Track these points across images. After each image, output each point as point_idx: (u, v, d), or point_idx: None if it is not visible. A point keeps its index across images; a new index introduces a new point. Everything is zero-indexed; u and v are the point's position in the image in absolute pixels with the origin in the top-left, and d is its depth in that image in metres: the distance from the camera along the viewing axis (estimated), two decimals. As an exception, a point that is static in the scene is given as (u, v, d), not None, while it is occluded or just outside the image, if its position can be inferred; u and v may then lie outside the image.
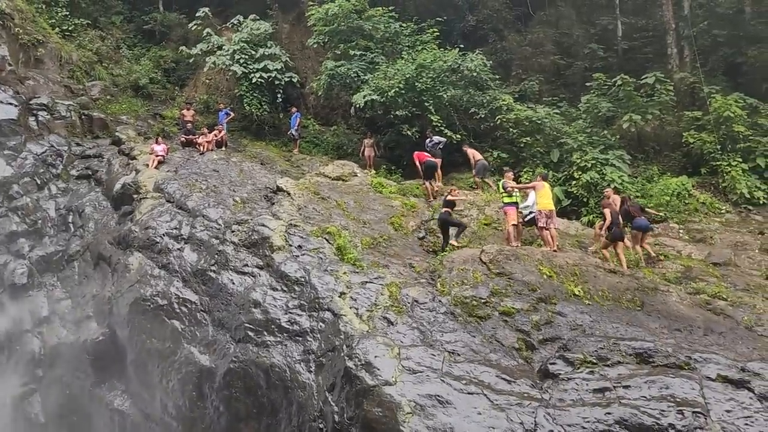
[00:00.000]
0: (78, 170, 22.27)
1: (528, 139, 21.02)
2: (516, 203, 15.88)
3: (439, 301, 12.90)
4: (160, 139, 22.09)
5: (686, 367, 10.25)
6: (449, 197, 16.12)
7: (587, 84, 22.64)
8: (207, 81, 28.47)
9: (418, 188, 19.60)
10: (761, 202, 18.44)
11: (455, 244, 15.32)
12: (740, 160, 19.14)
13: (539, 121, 20.99)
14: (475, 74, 22.19)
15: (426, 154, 19.97)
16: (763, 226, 17.35)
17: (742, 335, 11.59)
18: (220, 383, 13.60)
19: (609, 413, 9.54)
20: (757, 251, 16.03)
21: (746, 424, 9.21)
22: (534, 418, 9.83)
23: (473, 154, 20.26)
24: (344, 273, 14.11)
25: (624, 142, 21.02)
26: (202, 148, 22.64)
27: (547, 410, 9.94)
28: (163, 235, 17.05)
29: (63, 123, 24.02)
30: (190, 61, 27.63)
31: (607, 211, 14.99)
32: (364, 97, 21.78)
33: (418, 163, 19.90)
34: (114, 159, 22.21)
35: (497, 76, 23.54)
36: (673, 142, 21.18)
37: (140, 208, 18.52)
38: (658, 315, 12.22)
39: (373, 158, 22.40)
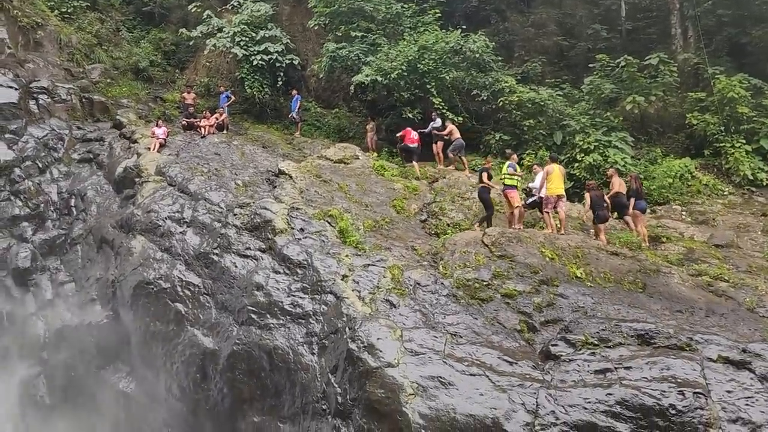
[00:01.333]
0: (79, 154, 22.24)
1: (530, 121, 20.90)
2: (516, 186, 15.83)
3: (442, 283, 12.94)
4: (160, 122, 22.03)
5: (687, 349, 10.28)
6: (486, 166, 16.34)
7: (590, 65, 22.44)
8: (207, 64, 28.33)
9: (420, 171, 19.55)
10: (764, 183, 18.39)
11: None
12: (744, 141, 19.06)
13: (542, 103, 20.85)
14: (477, 56, 22.01)
15: (415, 136, 20.38)
16: (766, 208, 17.32)
17: (743, 316, 11.62)
18: (224, 365, 13.70)
19: (610, 394, 9.59)
20: (759, 233, 16.03)
21: (747, 405, 9.25)
22: (535, 399, 9.90)
23: (453, 130, 20.27)
24: (346, 256, 14.14)
25: (627, 123, 20.89)
26: (203, 131, 22.58)
27: (549, 391, 10.00)
28: (166, 218, 17.07)
29: (63, 106, 23.95)
30: (191, 43, 27.46)
31: (587, 196, 15.15)
32: (367, 76, 21.62)
33: (404, 140, 20.50)
34: (115, 142, 22.17)
35: (500, 58, 23.35)
36: (677, 123, 21.05)
37: (142, 191, 18.52)
38: (660, 297, 12.25)
39: (374, 141, 22.34)
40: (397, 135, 21.06)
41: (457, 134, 20.22)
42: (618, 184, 16.00)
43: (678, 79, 21.08)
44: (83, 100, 24.78)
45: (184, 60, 29.65)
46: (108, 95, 25.95)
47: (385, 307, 12.48)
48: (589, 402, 9.61)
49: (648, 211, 17.88)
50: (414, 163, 20.22)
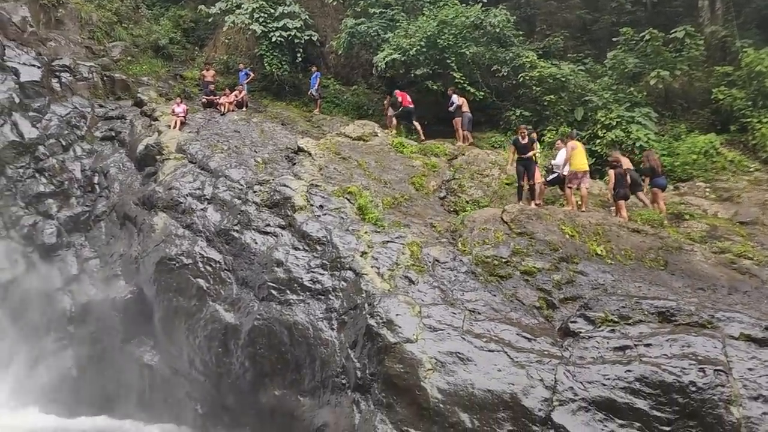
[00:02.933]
0: (102, 132, 22.43)
1: (552, 97, 20.57)
2: (532, 161, 15.61)
3: (460, 260, 12.94)
4: (180, 100, 22.12)
5: (709, 326, 10.20)
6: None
7: (614, 39, 21.97)
8: (226, 41, 28.26)
9: (439, 148, 19.45)
10: (792, 159, 17.99)
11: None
12: (772, 116, 18.61)
13: (563, 79, 20.51)
14: (498, 30, 21.68)
15: (409, 98, 21.03)
16: (792, 185, 16.96)
17: (767, 294, 11.47)
18: (245, 340, 13.91)
19: (629, 371, 9.57)
20: (786, 210, 15.72)
21: (768, 382, 9.19)
22: (554, 375, 9.92)
23: (463, 102, 20.23)
24: (365, 232, 14.19)
25: (651, 99, 20.48)
26: (223, 108, 22.64)
27: (567, 367, 10.02)
28: (187, 195, 17.24)
29: (85, 84, 24.10)
30: (209, 20, 27.39)
31: (611, 173, 14.95)
32: (385, 57, 21.46)
33: (402, 104, 20.95)
34: (136, 120, 22.33)
35: (521, 32, 22.97)
36: (702, 98, 20.59)
37: (163, 169, 18.69)
38: (682, 274, 12.13)
39: (392, 118, 22.24)
40: (393, 102, 21.52)
41: (466, 108, 20.23)
42: (626, 162, 15.85)
43: (704, 53, 20.57)
44: (104, 78, 24.91)
45: (204, 37, 29.65)
46: (128, 73, 26.06)
47: (404, 283, 12.54)
48: (608, 378, 9.61)
49: (671, 188, 17.66)
50: (416, 123, 20.85)
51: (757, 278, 12.08)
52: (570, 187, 15.03)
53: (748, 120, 18.81)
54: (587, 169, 15.22)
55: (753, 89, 18.98)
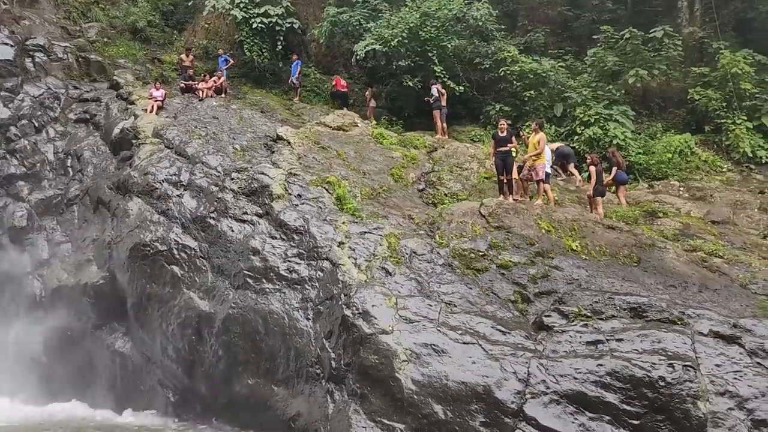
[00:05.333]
0: (76, 114, 21.99)
1: (532, 92, 20.70)
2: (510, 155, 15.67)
3: (438, 252, 12.98)
4: (158, 84, 21.77)
5: (679, 322, 10.39)
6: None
7: (594, 37, 22.18)
8: (206, 25, 27.83)
9: (419, 140, 19.45)
10: (764, 161, 18.39)
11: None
12: (745, 118, 18.97)
13: (544, 74, 20.66)
14: (480, 24, 21.70)
15: (344, 83, 22.77)
16: (763, 186, 17.34)
17: (736, 292, 11.71)
18: (219, 328, 13.81)
19: (601, 365, 9.72)
20: (756, 210, 16.07)
21: (735, 378, 9.40)
22: (527, 368, 10.03)
23: (443, 94, 20.24)
24: (343, 223, 14.15)
25: (629, 97, 20.74)
26: (201, 94, 22.33)
27: (540, 361, 10.13)
28: (163, 181, 16.99)
29: (60, 65, 23.59)
30: (189, 4, 26.93)
31: (592, 170, 15.15)
32: (366, 46, 21.35)
33: (336, 87, 22.55)
34: (112, 103, 21.93)
35: (503, 27, 23.03)
36: (679, 98, 20.92)
37: (139, 153, 18.39)
38: (655, 271, 12.32)
39: (373, 109, 22.19)
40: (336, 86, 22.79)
41: (444, 101, 20.25)
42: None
43: (682, 54, 20.87)
44: (80, 59, 24.39)
45: (183, 21, 29.13)
46: (105, 55, 25.52)
47: (381, 274, 12.54)
48: (580, 372, 9.75)
49: (645, 186, 17.95)
50: (345, 110, 21.32)
51: (726, 276, 12.32)
52: (540, 181, 15.07)
53: (723, 121, 19.14)
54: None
55: (728, 91, 19.30)
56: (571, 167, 18.19)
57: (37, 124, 21.28)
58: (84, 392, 16.20)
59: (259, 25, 24.24)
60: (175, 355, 14.63)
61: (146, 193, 16.90)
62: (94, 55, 24.96)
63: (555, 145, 17.67)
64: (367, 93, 22.67)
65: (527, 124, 20.05)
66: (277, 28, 24.61)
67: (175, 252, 15.37)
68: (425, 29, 21.04)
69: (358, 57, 21.87)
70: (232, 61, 24.67)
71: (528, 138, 15.77)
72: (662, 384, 9.27)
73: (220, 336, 13.78)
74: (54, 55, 23.58)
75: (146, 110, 20.46)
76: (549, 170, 15.62)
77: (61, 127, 21.60)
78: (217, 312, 14.03)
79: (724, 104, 19.27)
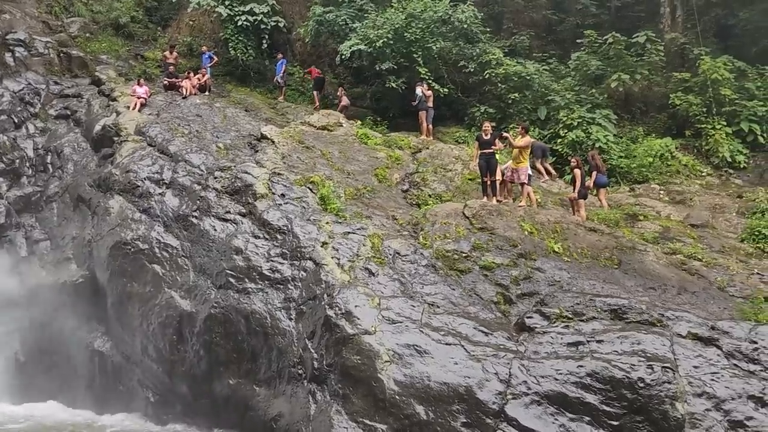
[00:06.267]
0: (56, 110, 21.71)
1: (516, 95, 20.81)
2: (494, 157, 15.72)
3: (421, 253, 13.00)
4: (141, 80, 21.56)
5: (658, 324, 10.53)
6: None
7: (578, 41, 22.35)
8: (191, 22, 27.63)
9: (403, 140, 19.47)
10: (742, 165, 18.63)
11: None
12: (724, 123, 19.21)
13: (528, 77, 20.78)
14: (465, 26, 21.76)
15: (317, 70, 23.81)
16: (741, 190, 17.59)
17: (714, 295, 11.89)
18: (201, 328, 13.71)
19: (581, 366, 9.81)
20: (734, 214, 16.31)
21: (712, 380, 9.55)
22: (509, 369, 10.09)
23: (430, 96, 20.23)
24: (327, 223, 14.12)
25: (611, 101, 20.93)
26: (185, 91, 22.15)
27: (522, 362, 10.20)
28: (145, 179, 16.84)
29: (41, 60, 23.29)
30: (173, 0, 26.68)
31: (576, 173, 15.27)
32: (351, 47, 21.34)
33: (311, 76, 23.60)
34: (93, 99, 21.67)
35: (488, 29, 23.11)
36: (660, 103, 21.15)
37: (121, 150, 18.20)
38: (635, 273, 12.46)
39: (344, 107, 22.25)
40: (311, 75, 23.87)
41: (431, 103, 20.28)
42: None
43: (664, 59, 21.12)
44: (61, 54, 24.08)
45: (167, 17, 28.87)
46: (87, 50, 25.23)
47: (364, 275, 12.54)
48: (561, 373, 9.83)
49: (627, 189, 18.14)
50: (315, 92, 23.20)
51: (705, 279, 12.50)
52: (522, 183, 15.15)
53: (703, 126, 19.39)
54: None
55: (708, 96, 19.55)
56: (539, 163, 18.19)
57: (16, 120, 20.98)
58: (62, 392, 15.98)
59: (244, 22, 24.12)
60: (156, 354, 14.50)
61: (128, 191, 16.74)
62: (75, 51, 24.67)
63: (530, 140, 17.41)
64: (339, 92, 22.79)
65: (512, 126, 20.20)
66: (263, 26, 24.51)
67: (157, 251, 15.24)
68: (410, 30, 21.07)
69: (343, 57, 21.85)
70: (215, 59, 24.52)
71: (514, 138, 15.80)
72: (641, 385, 9.38)
73: (201, 336, 13.68)
74: (35, 50, 23.27)
75: (129, 107, 20.26)
76: (530, 172, 15.71)
77: (41, 123, 21.32)
78: (198, 311, 13.92)
79: (705, 109, 19.51)
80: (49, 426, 14.12)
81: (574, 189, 15.33)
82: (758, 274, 12.84)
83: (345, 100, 22.41)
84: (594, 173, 16.26)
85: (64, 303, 16.45)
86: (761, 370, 9.68)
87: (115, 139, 18.87)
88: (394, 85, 21.31)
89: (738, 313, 11.15)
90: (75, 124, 21.09)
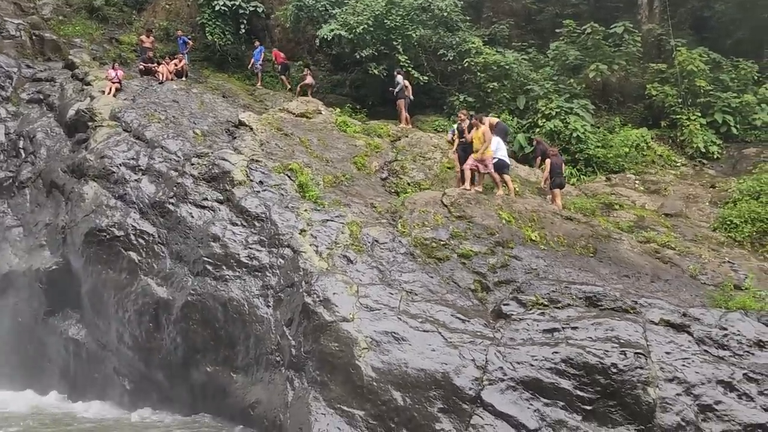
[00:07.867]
0: (29, 94, 21.25)
1: (495, 84, 20.88)
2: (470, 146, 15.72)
3: (399, 241, 13.03)
4: (116, 65, 21.19)
5: (631, 311, 10.70)
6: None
7: (557, 30, 22.46)
8: (167, 6, 27.23)
9: (382, 128, 19.44)
10: (715, 156, 18.95)
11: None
12: (699, 114, 19.51)
13: (507, 67, 20.84)
14: (445, 14, 21.77)
15: (282, 54, 24.06)
16: (715, 180, 17.89)
17: (686, 283, 12.12)
18: (178, 315, 13.61)
19: (556, 352, 9.94)
20: (707, 204, 16.60)
21: (683, 365, 9.73)
22: (485, 356, 10.19)
23: (407, 85, 20.25)
24: (305, 210, 14.08)
25: (589, 91, 21.10)
26: (161, 77, 21.82)
27: (498, 348, 10.31)
28: (120, 165, 16.58)
29: (12, 43, 22.78)
30: (149, -17, 26.26)
31: (547, 162, 15.39)
32: (332, 30, 21.20)
33: (278, 61, 23.90)
34: (67, 84, 21.25)
35: (468, 18, 23.14)
36: (637, 93, 21.40)
37: (95, 136, 17.88)
38: (610, 261, 12.64)
39: (308, 86, 22.73)
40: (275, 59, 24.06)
41: (409, 92, 20.30)
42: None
43: (641, 50, 21.34)
44: (33, 37, 23.57)
45: (142, 1, 28.37)
46: (60, 34, 24.73)
47: (343, 262, 12.54)
48: (536, 359, 9.95)
49: (603, 178, 18.36)
50: (284, 77, 23.74)
51: (678, 267, 12.73)
52: (501, 173, 15.17)
53: (678, 117, 19.67)
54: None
55: (683, 87, 19.83)
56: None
57: (-13, 104, 20.48)
58: (36, 380, 15.77)
59: (222, 7, 23.86)
60: (132, 342, 14.37)
61: (102, 177, 16.47)
62: (48, 34, 24.17)
63: (495, 120, 17.29)
64: (304, 72, 23.25)
65: (490, 114, 20.26)
66: (241, 11, 24.26)
67: (133, 237, 15.05)
68: (390, 17, 21.00)
69: (324, 37, 21.64)
70: (191, 43, 24.18)
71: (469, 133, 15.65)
72: (614, 371, 9.54)
73: (178, 323, 13.59)
74: (6, 33, 22.76)
75: (103, 92, 19.90)
76: (508, 161, 15.69)
77: (12, 107, 20.86)
78: (175, 299, 13.81)
79: (680, 100, 19.80)
80: (24, 414, 13.92)
81: (545, 180, 15.52)
82: (729, 262, 13.13)
83: (309, 79, 22.59)
84: (548, 161, 16.19)
85: (38, 290, 16.21)
86: (730, 356, 9.89)
87: (90, 124, 18.53)
88: (375, 71, 21.23)
89: (709, 300, 11.38)
90: (48, 109, 20.67)
